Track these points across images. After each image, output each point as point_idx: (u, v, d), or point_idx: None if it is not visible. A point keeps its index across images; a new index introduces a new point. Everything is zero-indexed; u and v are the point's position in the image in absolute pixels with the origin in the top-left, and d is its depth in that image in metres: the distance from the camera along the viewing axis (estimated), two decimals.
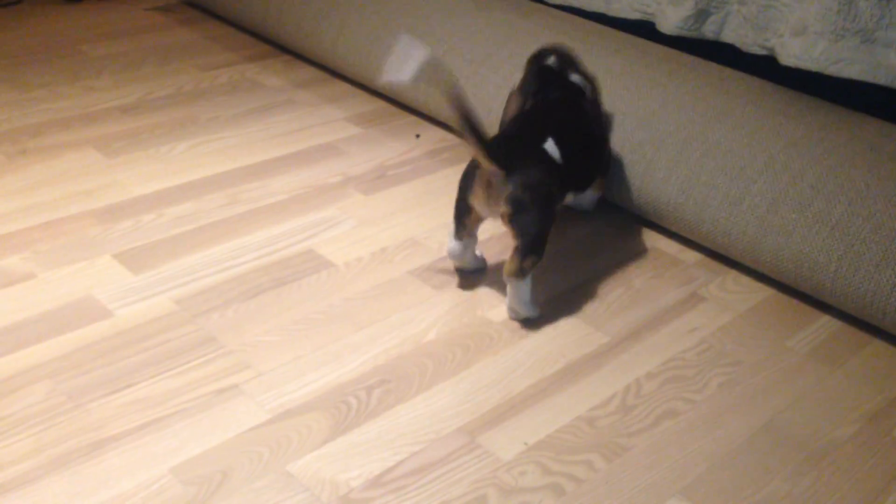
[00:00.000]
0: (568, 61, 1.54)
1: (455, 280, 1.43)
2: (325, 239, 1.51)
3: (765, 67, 1.75)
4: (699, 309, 1.40)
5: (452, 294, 1.40)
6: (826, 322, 1.39)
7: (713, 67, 1.73)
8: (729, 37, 1.82)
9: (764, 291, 1.45)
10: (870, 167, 1.39)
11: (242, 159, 1.74)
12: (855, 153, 1.43)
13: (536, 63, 1.54)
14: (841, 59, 1.57)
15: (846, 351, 1.33)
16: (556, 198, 1.33)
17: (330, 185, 1.68)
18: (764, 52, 1.74)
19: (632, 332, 1.34)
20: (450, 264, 1.46)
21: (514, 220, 1.26)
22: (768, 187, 1.42)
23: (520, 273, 1.29)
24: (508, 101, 1.52)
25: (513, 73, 1.75)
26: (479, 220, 1.35)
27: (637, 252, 1.54)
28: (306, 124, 1.90)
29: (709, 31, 1.84)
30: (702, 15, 1.83)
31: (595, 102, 1.54)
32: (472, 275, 1.44)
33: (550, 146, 1.34)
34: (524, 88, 1.50)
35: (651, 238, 1.58)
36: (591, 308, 1.39)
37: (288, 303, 1.35)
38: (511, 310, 1.33)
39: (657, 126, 1.57)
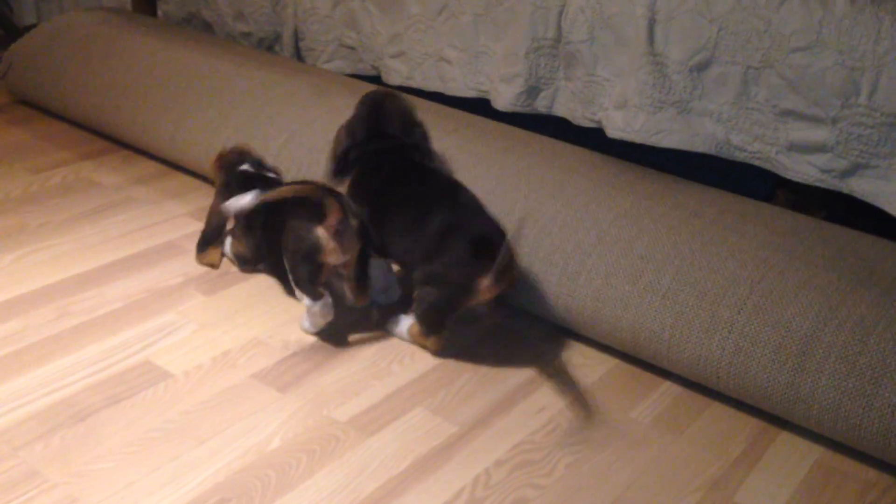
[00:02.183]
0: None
1: (301, 379, 1.39)
2: (164, 347, 1.45)
3: (603, 136, 1.81)
4: (547, 386, 1.41)
5: (298, 395, 1.36)
6: (667, 389, 1.42)
7: (546, 142, 1.78)
8: (560, 110, 1.88)
9: (608, 362, 1.48)
10: (693, 234, 1.45)
11: (75, 267, 1.67)
12: (679, 221, 1.48)
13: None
14: (661, 130, 1.65)
15: (687, 417, 1.36)
16: None
17: (170, 287, 1.62)
18: (593, 125, 1.80)
19: (480, 418, 1.33)
20: (296, 361, 1.43)
21: None
22: (602, 260, 1.46)
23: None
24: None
25: None
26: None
27: (483, 332, 1.54)
28: (145, 223, 1.84)
29: (541, 105, 1.90)
30: (532, 91, 1.89)
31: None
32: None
33: None
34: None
35: (498, 316, 1.59)
36: (439, 397, 1.38)
37: (122, 422, 1.28)
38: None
39: (494, 204, 1.59)
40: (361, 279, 1.46)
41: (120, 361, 1.41)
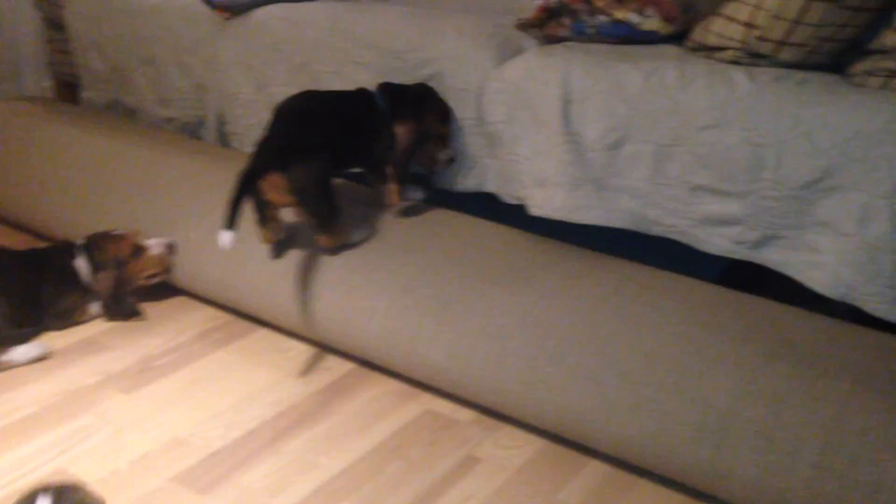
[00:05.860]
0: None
1: (224, 479, 1.36)
2: (79, 453, 1.40)
3: None
4: (475, 472, 1.40)
5: (220, 497, 1.32)
6: (595, 468, 1.42)
7: (470, 223, 1.79)
8: (490, 187, 1.90)
9: (537, 443, 1.47)
10: (613, 313, 1.47)
11: None
12: (600, 300, 1.50)
13: None
14: (580, 207, 1.68)
15: (615, 496, 1.36)
16: None
17: (87, 387, 1.57)
18: (517, 202, 1.83)
19: None
20: (219, 460, 1.39)
21: None
22: (526, 343, 1.46)
23: None
24: None
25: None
26: None
27: (413, 417, 1.53)
28: None
29: (472, 184, 1.92)
30: (461, 169, 1.91)
31: None
32: None
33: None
34: None
35: (427, 400, 1.58)
36: (367, 489, 1.35)
37: None
38: None
39: (419, 291, 1.59)
40: None
41: (32, 471, 1.36)
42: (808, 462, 1.20)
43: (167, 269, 1.82)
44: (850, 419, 1.21)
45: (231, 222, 1.50)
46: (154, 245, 1.80)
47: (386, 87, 1.83)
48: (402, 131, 1.81)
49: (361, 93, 1.84)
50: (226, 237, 1.50)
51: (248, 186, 1.54)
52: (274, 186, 1.55)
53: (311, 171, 1.59)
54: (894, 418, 1.21)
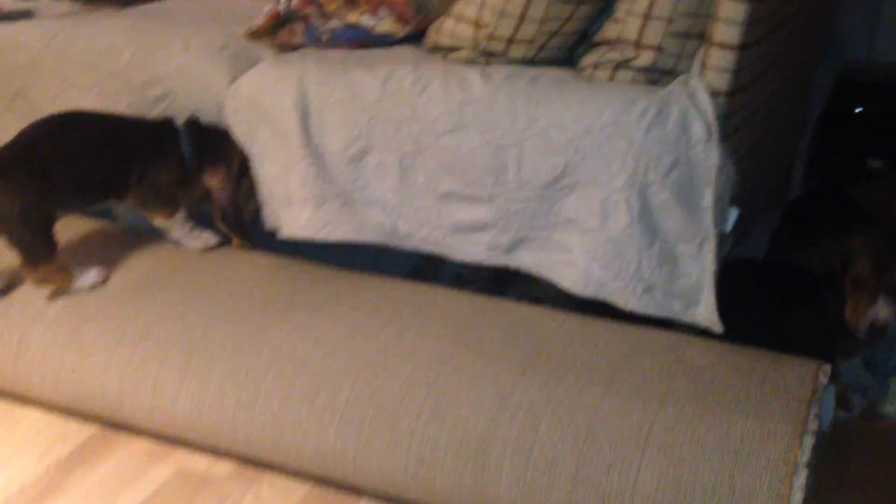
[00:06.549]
0: None
1: None
2: None
3: None
4: None
5: None
6: None
7: (221, 254, 1.65)
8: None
9: (300, 490, 1.37)
10: (369, 337, 1.38)
11: None
12: (357, 324, 1.41)
13: None
14: (327, 223, 1.58)
15: None
16: None
17: None
18: (273, 226, 1.70)
19: None
20: None
21: None
22: (278, 383, 1.35)
23: None
24: None
25: None
26: None
27: (164, 480, 1.38)
28: None
29: None
30: None
31: None
32: None
33: None
34: None
35: (179, 458, 1.44)
36: None
37: None
38: None
39: (159, 337, 1.44)
40: None
41: None
42: (566, 475, 1.18)
43: None
44: (603, 424, 1.20)
45: None
46: None
47: (191, 125, 1.66)
48: (216, 182, 1.65)
49: (162, 126, 1.67)
50: None
51: None
52: None
53: (20, 196, 1.46)
54: (643, 416, 1.20)
